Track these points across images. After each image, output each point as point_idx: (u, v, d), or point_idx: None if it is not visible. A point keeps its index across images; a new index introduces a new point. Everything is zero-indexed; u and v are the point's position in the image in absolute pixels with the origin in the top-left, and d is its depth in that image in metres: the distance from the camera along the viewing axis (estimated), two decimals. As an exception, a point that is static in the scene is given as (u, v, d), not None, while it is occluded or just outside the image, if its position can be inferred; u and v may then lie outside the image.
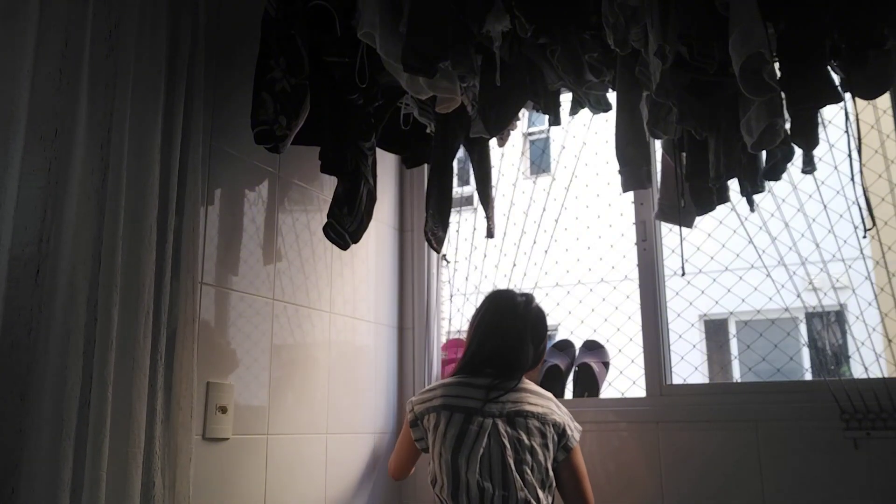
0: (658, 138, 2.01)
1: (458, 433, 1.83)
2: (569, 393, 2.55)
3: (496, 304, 2.06)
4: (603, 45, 1.81)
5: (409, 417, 1.99)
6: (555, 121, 2.18)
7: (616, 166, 2.04)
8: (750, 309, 2.60)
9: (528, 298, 2.06)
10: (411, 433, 2.00)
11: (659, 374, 2.36)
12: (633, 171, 1.97)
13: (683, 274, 2.07)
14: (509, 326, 2.00)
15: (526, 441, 1.83)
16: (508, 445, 1.82)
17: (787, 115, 1.70)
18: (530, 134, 3.60)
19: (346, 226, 2.00)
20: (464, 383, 1.93)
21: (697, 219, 2.17)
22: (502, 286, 2.50)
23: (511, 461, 1.80)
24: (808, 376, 2.98)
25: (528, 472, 1.81)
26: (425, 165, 2.83)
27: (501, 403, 1.87)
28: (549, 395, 1.99)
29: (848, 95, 1.87)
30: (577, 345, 2.63)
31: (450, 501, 1.81)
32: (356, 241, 2.07)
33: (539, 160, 3.57)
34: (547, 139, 3.07)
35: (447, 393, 1.92)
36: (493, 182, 2.46)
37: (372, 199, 2.09)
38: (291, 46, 1.83)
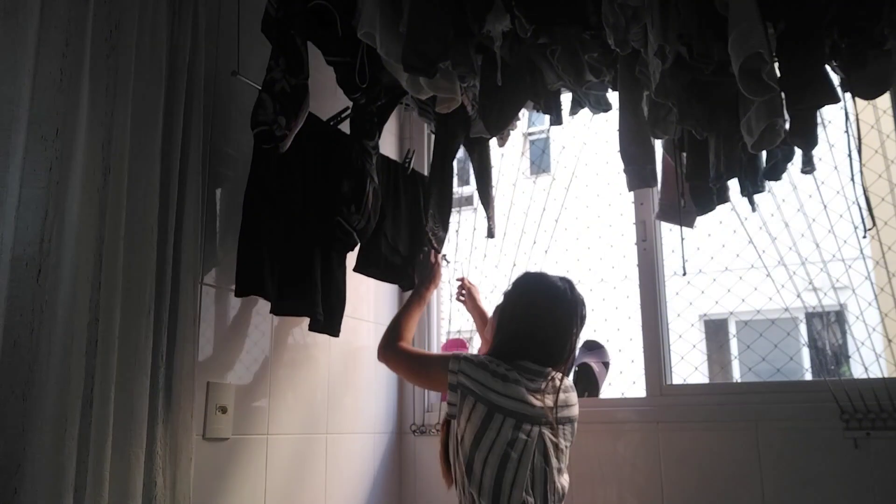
0: (658, 138, 2.02)
1: (509, 440, 1.69)
2: (569, 393, 2.55)
3: (543, 288, 1.90)
4: (603, 45, 1.81)
5: (450, 379, 1.78)
6: (556, 120, 2.18)
7: (617, 166, 2.04)
8: (750, 309, 2.60)
9: (571, 283, 1.92)
10: (448, 393, 1.79)
11: (659, 374, 2.36)
12: (638, 170, 1.96)
13: (684, 274, 2.07)
14: (562, 314, 1.87)
15: (562, 446, 1.77)
16: (553, 455, 1.74)
17: (786, 115, 1.70)
18: (530, 134, 3.60)
19: (353, 224, 2.00)
20: (514, 379, 1.75)
21: (698, 219, 2.18)
22: (503, 285, 2.49)
23: (554, 472, 1.72)
24: (808, 376, 2.98)
25: (561, 476, 1.75)
26: (425, 165, 2.84)
27: (550, 409, 1.76)
28: (569, 383, 1.89)
29: (848, 95, 1.88)
30: (578, 345, 2.63)
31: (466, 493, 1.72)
32: (364, 239, 2.07)
33: (539, 160, 3.57)
34: (547, 139, 3.08)
35: (505, 392, 1.72)
36: (493, 182, 2.47)
37: (377, 197, 2.09)
38: (291, 46, 1.83)
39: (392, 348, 1.97)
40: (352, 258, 2.16)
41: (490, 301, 2.47)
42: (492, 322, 2.01)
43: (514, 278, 2.00)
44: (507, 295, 1.95)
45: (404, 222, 2.33)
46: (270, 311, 1.92)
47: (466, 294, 2.41)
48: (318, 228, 2.00)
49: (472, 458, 1.70)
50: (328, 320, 2.01)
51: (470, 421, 1.72)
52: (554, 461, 1.73)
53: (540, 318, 1.86)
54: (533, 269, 2.02)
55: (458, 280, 2.45)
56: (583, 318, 1.92)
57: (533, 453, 1.70)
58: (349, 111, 2.09)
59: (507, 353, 1.82)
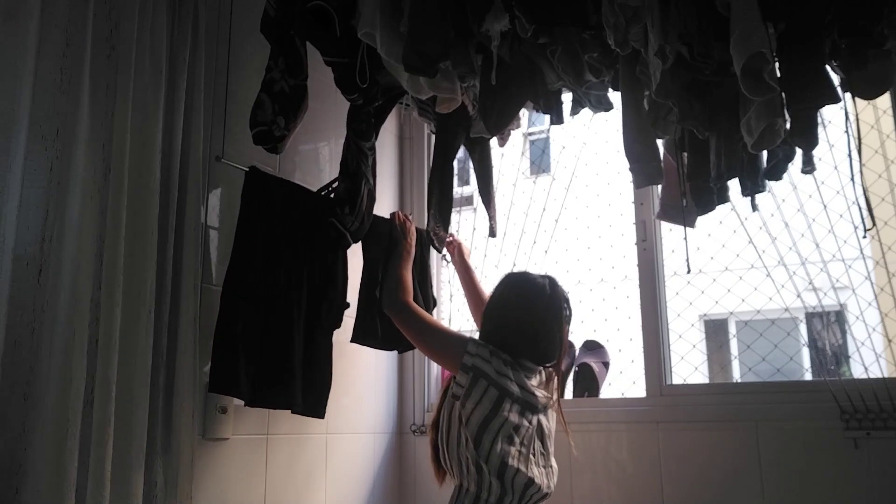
0: (658, 138, 2.02)
1: (515, 425, 1.75)
2: (569, 393, 2.55)
3: (522, 285, 1.91)
4: (603, 45, 1.81)
5: (465, 360, 1.78)
6: (556, 120, 2.17)
7: (617, 166, 2.03)
8: (750, 309, 2.60)
9: (552, 280, 1.93)
10: (459, 373, 1.78)
11: (659, 374, 2.36)
12: (643, 168, 1.95)
13: (689, 272, 2.06)
14: (541, 310, 1.88)
15: (553, 430, 1.87)
16: (548, 439, 1.84)
17: (787, 115, 1.70)
18: (530, 134, 3.61)
19: (347, 225, 2.00)
20: (516, 370, 1.80)
21: (698, 218, 2.17)
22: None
23: (550, 455, 1.83)
24: (808, 376, 2.98)
25: (553, 458, 1.85)
26: (425, 165, 2.84)
27: (546, 399, 1.84)
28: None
29: (848, 95, 1.87)
30: (577, 345, 2.63)
31: (496, 481, 1.72)
32: (357, 240, 2.07)
33: (539, 160, 3.57)
34: (547, 139, 3.08)
35: (515, 379, 1.78)
36: (494, 182, 2.47)
37: (372, 199, 2.09)
38: (291, 47, 1.83)
39: (404, 305, 1.95)
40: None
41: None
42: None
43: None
44: (490, 295, 1.98)
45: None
46: (245, 405, 1.84)
47: (455, 250, 2.38)
48: (302, 311, 1.96)
49: (481, 436, 1.74)
50: (312, 404, 1.98)
51: (480, 404, 1.75)
52: (549, 445, 1.83)
53: (519, 315, 1.88)
54: (515, 270, 2.04)
55: (448, 237, 2.39)
56: (567, 315, 1.94)
57: (533, 439, 1.78)
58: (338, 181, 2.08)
59: (507, 350, 1.85)
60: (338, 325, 2.08)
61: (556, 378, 1.93)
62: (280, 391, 1.89)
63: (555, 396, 1.91)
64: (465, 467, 1.77)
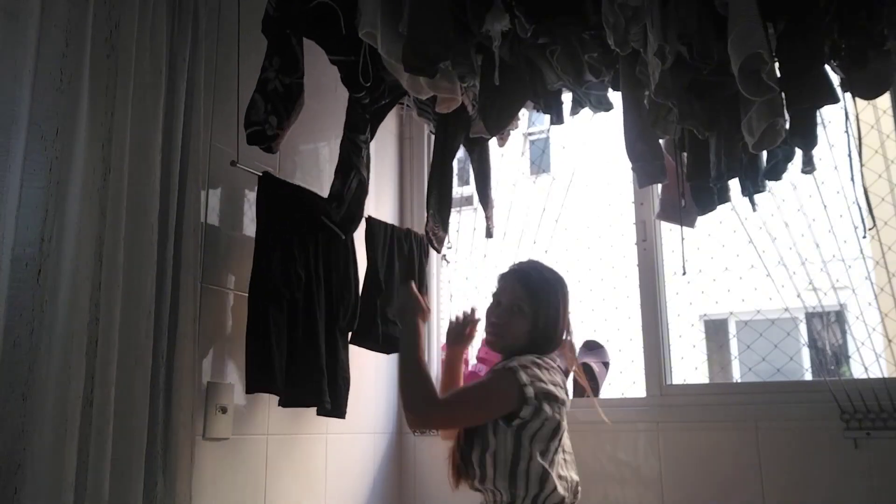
0: (658, 138, 2.01)
1: (561, 436, 1.66)
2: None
3: (561, 281, 1.80)
4: (603, 45, 1.81)
5: (528, 392, 1.58)
6: (556, 120, 2.18)
7: (617, 165, 2.03)
8: (750, 309, 2.60)
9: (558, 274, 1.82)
10: (523, 408, 1.59)
11: (659, 374, 2.36)
12: (646, 167, 1.95)
13: (684, 273, 2.06)
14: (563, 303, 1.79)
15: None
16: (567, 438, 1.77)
17: (786, 115, 1.70)
18: (530, 134, 3.61)
19: (332, 217, 2.01)
20: (554, 370, 1.71)
21: (698, 218, 2.17)
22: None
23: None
24: (808, 376, 2.98)
25: None
26: (425, 165, 2.83)
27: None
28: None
29: (848, 95, 1.87)
30: (577, 345, 2.63)
31: (536, 485, 1.60)
32: (347, 231, 2.07)
33: (539, 160, 3.58)
34: (547, 139, 3.07)
35: (566, 389, 1.68)
36: (493, 182, 2.47)
37: (363, 189, 2.07)
38: (286, 45, 1.83)
39: (438, 407, 1.66)
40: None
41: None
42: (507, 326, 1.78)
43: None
44: (537, 290, 1.76)
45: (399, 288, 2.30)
46: (279, 405, 1.92)
47: (469, 331, 1.98)
48: (322, 312, 2.01)
49: (543, 457, 1.62)
50: (335, 405, 2.02)
51: (544, 426, 1.62)
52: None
53: (561, 311, 1.77)
54: (524, 259, 1.87)
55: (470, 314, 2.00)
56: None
57: (564, 445, 1.70)
58: None
59: (544, 349, 1.75)
60: (353, 327, 2.10)
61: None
62: (311, 390, 1.94)
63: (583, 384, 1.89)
64: (518, 486, 1.61)
